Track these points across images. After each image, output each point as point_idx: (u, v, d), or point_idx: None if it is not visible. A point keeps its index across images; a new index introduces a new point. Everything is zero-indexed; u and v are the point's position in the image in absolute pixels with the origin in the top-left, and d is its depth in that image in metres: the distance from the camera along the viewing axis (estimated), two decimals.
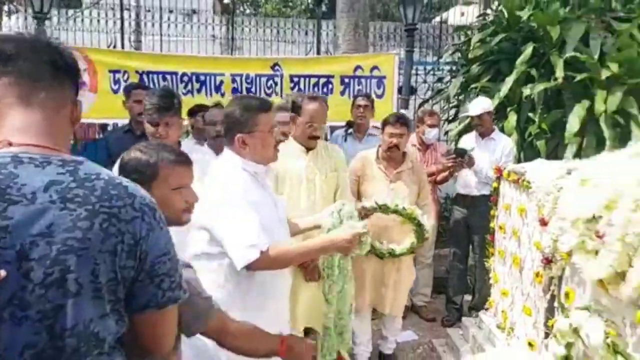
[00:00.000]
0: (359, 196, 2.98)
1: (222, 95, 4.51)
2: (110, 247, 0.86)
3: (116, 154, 2.46)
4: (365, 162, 3.06)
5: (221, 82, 4.57)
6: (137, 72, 4.41)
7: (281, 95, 4.60)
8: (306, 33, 7.85)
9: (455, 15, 8.86)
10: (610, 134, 3.62)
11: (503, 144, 3.65)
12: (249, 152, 1.85)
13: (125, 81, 4.32)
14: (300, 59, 5.56)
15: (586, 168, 2.23)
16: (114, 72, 4.38)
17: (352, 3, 6.02)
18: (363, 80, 4.81)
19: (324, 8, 8.37)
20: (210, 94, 4.53)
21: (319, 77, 4.74)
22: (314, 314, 2.41)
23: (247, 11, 18.04)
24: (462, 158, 3.47)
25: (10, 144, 0.87)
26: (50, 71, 0.92)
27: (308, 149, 2.61)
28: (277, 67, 4.64)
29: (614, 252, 1.85)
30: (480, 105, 3.67)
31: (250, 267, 1.72)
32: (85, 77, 4.24)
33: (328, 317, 2.31)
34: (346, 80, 4.78)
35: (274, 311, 1.87)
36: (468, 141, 3.75)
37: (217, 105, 3.18)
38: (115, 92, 4.32)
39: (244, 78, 4.57)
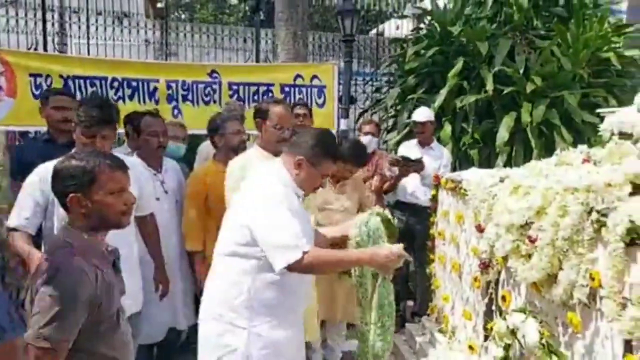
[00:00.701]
0: None
1: (157, 102, 4.31)
2: None
3: (34, 164, 2.30)
4: None
5: (155, 88, 4.37)
6: (61, 76, 4.10)
7: (219, 103, 4.48)
8: (244, 40, 7.77)
9: (390, 28, 9.15)
10: (536, 144, 3.87)
11: (442, 154, 3.79)
12: (299, 176, 1.93)
13: (49, 86, 4.00)
14: (239, 66, 5.48)
15: (517, 176, 2.35)
16: (35, 76, 4.05)
17: (290, 13, 6.03)
18: (304, 89, 4.81)
19: (261, 16, 8.31)
20: (144, 101, 4.32)
21: (258, 85, 4.68)
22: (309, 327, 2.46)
23: (182, 16, 17.57)
24: (414, 163, 3.53)
25: None
26: None
27: (276, 155, 2.53)
28: (214, 75, 4.52)
29: (546, 256, 1.95)
30: (425, 113, 3.81)
31: (291, 268, 1.74)
32: (1, 81, 3.89)
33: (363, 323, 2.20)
34: (286, 88, 4.77)
35: (294, 318, 1.95)
36: (409, 149, 3.85)
37: (153, 113, 2.99)
38: (37, 97, 3.99)
39: (179, 85, 4.40)
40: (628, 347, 1.61)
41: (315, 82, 4.82)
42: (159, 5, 10.17)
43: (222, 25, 10.00)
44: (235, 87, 4.58)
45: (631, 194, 1.83)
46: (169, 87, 4.40)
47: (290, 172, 1.92)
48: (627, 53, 4.27)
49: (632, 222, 1.62)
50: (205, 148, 3.72)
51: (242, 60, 7.57)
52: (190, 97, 4.43)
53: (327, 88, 4.84)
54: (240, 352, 1.82)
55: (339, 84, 5.23)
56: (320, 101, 4.81)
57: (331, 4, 9.78)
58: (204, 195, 2.90)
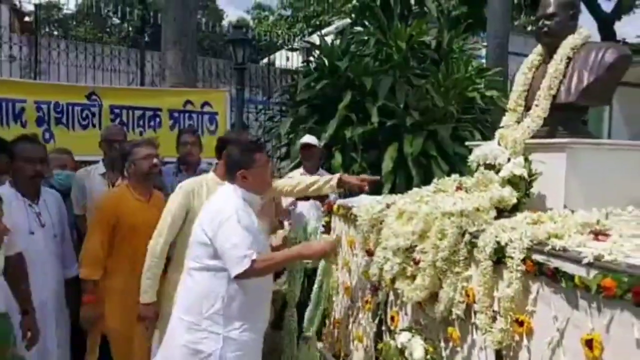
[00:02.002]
0: None
1: (24, 125, 3.86)
2: None
3: None
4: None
5: (22, 109, 3.92)
6: None
7: (99, 127, 4.16)
8: (128, 62, 7.36)
9: (281, 58, 9.40)
10: (417, 173, 4.22)
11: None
12: (250, 185, 2.22)
13: None
14: (122, 89, 5.17)
15: (401, 202, 2.53)
16: None
17: (179, 36, 5.90)
18: (194, 116, 4.69)
19: (146, 38, 8.00)
20: (8, 124, 3.84)
21: (144, 109, 4.46)
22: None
23: (55, 33, 16.16)
24: None
25: None
26: None
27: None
28: (94, 97, 4.20)
29: (428, 276, 2.11)
30: (312, 138, 3.93)
31: (244, 275, 2.05)
32: None
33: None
34: (175, 114, 4.61)
35: (264, 312, 2.31)
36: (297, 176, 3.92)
37: (30, 138, 2.68)
38: None
39: (52, 107, 4.01)
40: (499, 356, 1.78)
41: (207, 108, 4.74)
42: (26, 19, 9.24)
43: (102, 44, 9.38)
44: (117, 111, 4.31)
45: (496, 218, 2.08)
46: (38, 108, 3.98)
47: (242, 187, 2.21)
48: (488, 93, 4.92)
49: (498, 242, 1.83)
50: (82, 176, 3.41)
51: (125, 83, 7.14)
52: (64, 119, 4.05)
53: (219, 115, 4.79)
54: (215, 355, 2.09)
55: (231, 111, 5.20)
56: (212, 128, 4.73)
57: (221, 31, 9.76)
58: (112, 223, 2.73)
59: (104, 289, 2.75)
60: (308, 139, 3.93)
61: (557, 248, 1.63)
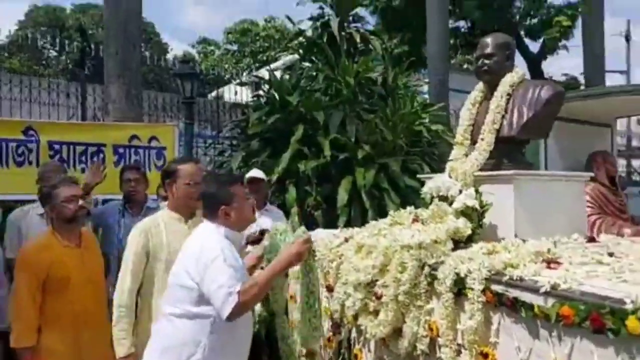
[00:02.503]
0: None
1: None
2: None
3: None
4: None
5: None
6: None
7: (36, 165, 3.91)
8: (68, 96, 7.04)
9: (230, 92, 9.38)
10: (370, 205, 4.27)
11: (280, 215, 3.86)
12: (232, 221, 2.12)
13: None
14: (62, 123, 4.93)
15: (359, 236, 2.53)
16: None
17: (122, 70, 5.75)
18: (140, 151, 4.53)
19: (86, 71, 7.73)
20: None
21: (87, 145, 4.25)
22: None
23: None
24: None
25: None
26: None
27: (188, 215, 2.51)
28: (30, 132, 3.95)
29: (391, 311, 2.10)
30: (259, 172, 3.86)
31: (235, 313, 1.93)
32: None
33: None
34: (121, 150, 4.42)
35: (245, 353, 2.20)
36: None
37: None
38: None
39: None
40: None
41: (154, 143, 4.59)
42: None
43: (38, 77, 8.94)
44: (57, 147, 4.07)
45: (453, 249, 2.13)
46: None
47: (224, 225, 2.11)
48: (433, 127, 5.13)
49: (457, 274, 1.86)
50: (18, 217, 3.16)
51: (64, 118, 6.81)
52: None
53: (167, 150, 4.64)
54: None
55: (180, 145, 5.07)
56: (159, 163, 4.57)
57: (166, 65, 9.63)
58: (41, 278, 2.45)
59: (40, 350, 2.45)
60: (255, 172, 3.84)
61: (514, 278, 1.68)
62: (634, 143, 14.43)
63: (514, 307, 1.63)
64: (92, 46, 7.84)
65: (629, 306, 1.29)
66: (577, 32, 11.46)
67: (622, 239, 2.45)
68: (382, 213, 4.22)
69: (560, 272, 1.67)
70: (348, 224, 4.11)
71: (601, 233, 3.50)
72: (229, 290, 1.92)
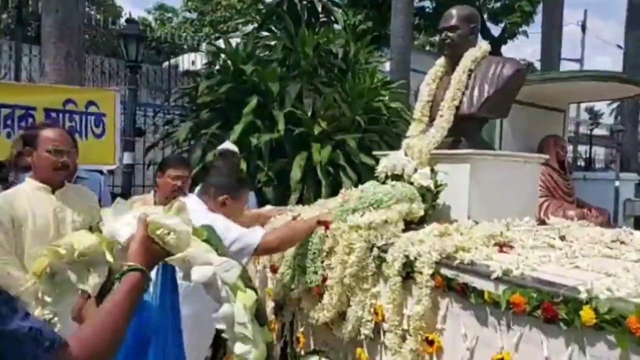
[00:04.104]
0: None
1: None
2: None
3: None
4: (144, 205, 2.65)
5: None
6: None
7: None
8: (0, 55, 6.42)
9: (187, 62, 8.91)
10: (325, 182, 4.11)
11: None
12: (225, 213, 2.03)
13: None
14: None
15: (307, 214, 2.38)
16: None
17: (61, 29, 5.25)
18: (76, 116, 4.14)
19: (29, 31, 7.07)
20: None
21: (14, 107, 3.82)
22: None
23: None
24: None
25: None
26: None
27: (53, 185, 2.16)
28: None
29: (335, 294, 1.97)
30: (231, 145, 3.61)
31: (264, 247, 1.96)
32: None
33: None
34: (53, 114, 4.01)
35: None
36: None
37: None
38: None
39: None
40: None
41: (92, 109, 4.21)
42: None
43: None
44: None
45: (405, 230, 2.01)
46: None
47: (217, 210, 2.02)
48: (393, 105, 5.00)
49: (406, 257, 1.74)
50: None
51: None
52: None
53: (107, 117, 4.27)
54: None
55: (122, 113, 4.71)
56: (98, 131, 4.21)
57: (114, 28, 8.99)
58: None
59: None
60: (228, 145, 3.59)
61: (465, 262, 1.58)
62: (582, 130, 15.03)
63: (463, 292, 1.53)
64: (30, 3, 7.16)
65: (584, 295, 1.20)
66: (537, 19, 11.65)
67: (572, 222, 2.42)
68: (336, 191, 4.08)
69: (512, 256, 1.58)
70: (300, 201, 3.95)
71: (549, 215, 3.56)
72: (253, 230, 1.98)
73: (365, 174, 4.14)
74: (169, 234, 1.13)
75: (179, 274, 1.28)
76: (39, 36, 5.60)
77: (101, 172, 3.65)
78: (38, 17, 6.71)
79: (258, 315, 1.30)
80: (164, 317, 1.30)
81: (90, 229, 1.33)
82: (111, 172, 4.72)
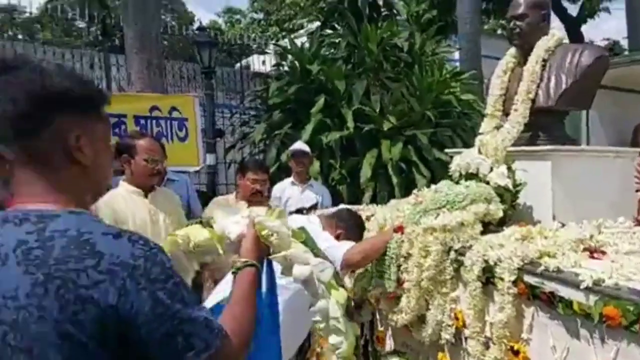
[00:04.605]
0: None
1: None
2: (70, 316, 0.77)
3: None
4: (227, 206, 2.93)
5: None
6: None
7: None
8: (91, 67, 7.02)
9: (258, 62, 9.16)
10: (397, 180, 4.09)
11: (322, 191, 3.72)
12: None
13: None
14: None
15: (380, 215, 2.39)
16: None
17: (142, 40, 5.65)
18: (162, 122, 4.46)
19: (115, 41, 7.65)
20: None
21: (108, 115, 4.18)
22: None
23: (19, 36, 15.56)
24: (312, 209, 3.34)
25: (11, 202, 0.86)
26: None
27: (146, 190, 2.43)
28: None
29: (413, 297, 1.97)
30: (304, 145, 3.71)
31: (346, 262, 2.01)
32: None
33: None
34: (142, 121, 4.36)
35: None
36: (287, 190, 3.68)
37: None
38: None
39: None
40: None
41: (175, 114, 4.52)
42: None
43: (70, 48, 8.97)
44: None
45: (482, 233, 1.96)
46: None
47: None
48: (464, 97, 4.83)
49: (486, 261, 1.70)
50: None
51: None
52: None
53: (188, 121, 4.56)
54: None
55: (202, 116, 4.99)
56: (182, 134, 4.51)
57: (187, 34, 9.46)
58: None
59: None
60: (300, 145, 3.70)
61: (551, 269, 1.51)
62: None
63: (550, 301, 1.47)
64: (112, 17, 7.74)
65: None
66: None
67: None
68: (410, 188, 4.03)
69: (604, 263, 1.49)
70: (374, 200, 3.96)
71: None
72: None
73: (439, 170, 4.06)
74: (272, 234, 1.27)
75: (277, 272, 1.41)
76: (124, 46, 6.07)
77: (186, 172, 3.91)
78: (121, 28, 7.26)
79: (348, 311, 1.43)
80: (264, 311, 1.41)
81: (201, 223, 1.49)
82: (196, 171, 5.03)
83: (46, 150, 0.86)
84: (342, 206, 2.86)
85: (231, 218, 1.37)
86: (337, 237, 2.14)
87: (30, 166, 0.86)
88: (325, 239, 2.01)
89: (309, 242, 1.48)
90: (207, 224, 1.46)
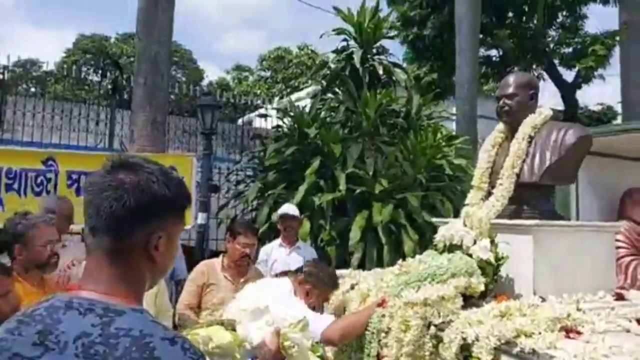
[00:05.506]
0: (199, 306, 2.88)
1: None
2: None
3: None
4: (210, 271, 2.95)
5: None
6: None
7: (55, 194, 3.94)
8: (97, 124, 7.25)
9: (260, 120, 9.42)
10: (386, 241, 4.09)
11: (311, 253, 3.71)
12: (307, 300, 2.21)
13: None
14: (81, 154, 4.96)
15: (364, 285, 2.38)
16: None
17: (150, 99, 5.86)
18: None
19: (125, 95, 7.91)
20: None
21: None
22: None
23: (33, 89, 16.18)
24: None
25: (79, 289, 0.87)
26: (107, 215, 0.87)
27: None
28: (50, 162, 4.00)
29: None
30: (294, 208, 3.75)
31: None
32: None
33: None
34: None
35: None
36: (274, 251, 3.68)
37: None
38: None
39: (3, 173, 3.79)
40: None
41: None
42: None
43: (79, 103, 9.27)
44: (75, 177, 4.09)
45: (464, 306, 1.94)
46: None
47: (299, 296, 2.18)
48: (456, 161, 4.93)
49: (464, 339, 1.69)
50: None
51: (92, 144, 6.98)
52: (15, 185, 3.82)
53: (184, 179, 4.62)
54: None
55: (200, 171, 5.08)
56: None
57: (197, 92, 9.81)
58: None
59: None
60: (288, 209, 3.74)
61: (526, 350, 1.50)
62: None
63: None
64: (124, 76, 8.07)
65: None
66: (615, 59, 11.06)
67: None
68: (398, 250, 4.04)
69: (579, 344, 1.48)
70: (362, 261, 3.94)
71: (637, 276, 3.23)
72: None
73: (427, 232, 4.07)
74: (294, 346, 1.39)
75: None
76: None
77: None
78: (132, 85, 7.54)
79: None
80: None
81: (222, 324, 1.51)
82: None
83: (131, 246, 0.89)
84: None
85: (255, 324, 1.41)
86: (307, 294, 2.14)
87: (106, 256, 0.89)
88: (299, 308, 2.00)
89: (325, 357, 1.57)
90: (230, 326, 1.48)
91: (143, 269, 0.91)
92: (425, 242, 4.10)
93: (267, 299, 2.00)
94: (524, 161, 2.35)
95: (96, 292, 0.86)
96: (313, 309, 2.28)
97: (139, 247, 0.90)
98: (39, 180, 3.93)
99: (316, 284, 2.24)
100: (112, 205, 0.86)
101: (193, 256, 4.46)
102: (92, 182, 0.90)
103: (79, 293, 0.87)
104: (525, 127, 2.37)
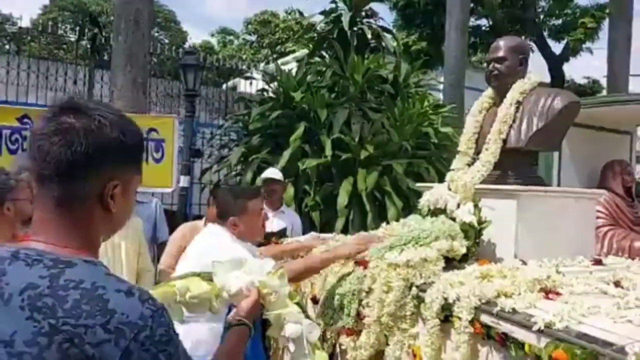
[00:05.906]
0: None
1: None
2: None
3: None
4: (191, 234, 2.82)
5: None
6: None
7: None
8: (75, 82, 6.99)
9: (245, 84, 9.22)
10: (371, 208, 4.10)
11: (294, 219, 3.70)
12: (240, 232, 2.02)
13: None
14: None
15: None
16: None
17: (130, 58, 5.65)
18: None
19: (105, 56, 7.61)
20: None
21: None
22: None
23: (7, 47, 15.51)
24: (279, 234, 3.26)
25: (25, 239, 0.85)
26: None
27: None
28: (25, 120, 3.86)
29: (373, 332, 1.95)
30: (277, 172, 3.69)
31: None
32: None
33: None
34: None
35: None
36: None
37: None
38: None
39: None
40: None
41: (153, 135, 4.47)
42: None
43: (56, 62, 8.91)
44: None
45: (445, 268, 1.96)
46: None
47: (231, 235, 2.01)
48: (443, 129, 4.91)
49: (445, 299, 1.70)
50: None
51: None
52: None
53: (165, 142, 4.51)
54: None
55: (183, 136, 4.97)
56: (157, 156, 4.45)
57: (178, 55, 9.51)
58: None
59: None
60: (271, 173, 3.67)
61: (506, 309, 1.52)
62: None
63: (503, 342, 1.47)
64: (103, 34, 7.76)
65: (631, 358, 1.12)
66: (603, 33, 11.05)
67: (632, 262, 2.25)
68: (382, 216, 4.06)
69: (558, 305, 1.50)
70: (346, 227, 3.95)
71: (613, 245, 3.33)
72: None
73: (411, 199, 4.09)
74: (271, 293, 1.35)
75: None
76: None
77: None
78: (111, 45, 7.27)
79: None
80: None
81: (200, 276, 1.48)
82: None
83: (84, 194, 0.85)
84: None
85: (233, 273, 1.39)
86: (235, 226, 2.00)
87: (57, 205, 0.84)
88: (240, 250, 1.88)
89: (302, 304, 1.54)
90: (208, 277, 1.45)
91: (97, 219, 0.87)
92: (409, 209, 4.13)
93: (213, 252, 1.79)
94: (511, 126, 2.34)
95: (46, 243, 0.82)
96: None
97: (92, 196, 0.85)
98: (13, 138, 3.80)
99: (231, 211, 2.03)
100: (62, 150, 0.81)
101: (175, 220, 4.40)
102: (39, 127, 0.83)
103: (27, 244, 0.83)
104: (514, 93, 2.35)
